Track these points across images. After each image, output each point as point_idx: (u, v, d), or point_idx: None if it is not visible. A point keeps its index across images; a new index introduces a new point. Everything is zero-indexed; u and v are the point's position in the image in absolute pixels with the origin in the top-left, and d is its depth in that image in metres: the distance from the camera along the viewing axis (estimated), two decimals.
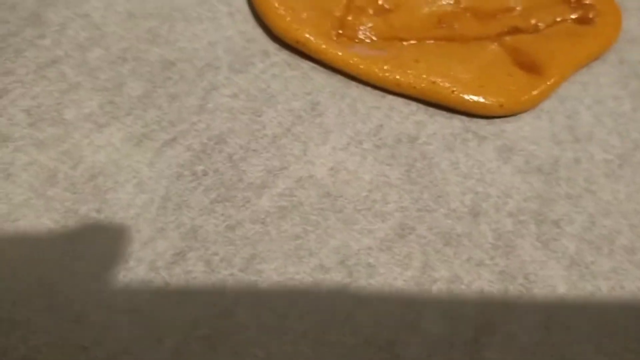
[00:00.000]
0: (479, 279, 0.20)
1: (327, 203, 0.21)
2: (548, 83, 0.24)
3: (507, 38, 0.26)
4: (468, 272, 0.20)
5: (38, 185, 0.20)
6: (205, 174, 0.21)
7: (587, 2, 0.27)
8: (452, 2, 0.26)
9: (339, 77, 0.24)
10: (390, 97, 0.24)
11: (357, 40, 0.25)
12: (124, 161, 0.21)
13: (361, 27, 0.25)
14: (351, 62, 0.24)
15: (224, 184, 0.21)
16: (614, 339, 0.19)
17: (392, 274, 0.20)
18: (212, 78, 0.23)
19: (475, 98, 0.24)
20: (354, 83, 0.24)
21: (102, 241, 0.19)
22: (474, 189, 0.22)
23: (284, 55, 0.24)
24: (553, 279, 0.20)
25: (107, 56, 0.23)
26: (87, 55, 0.23)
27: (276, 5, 0.25)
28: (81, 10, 0.24)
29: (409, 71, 0.24)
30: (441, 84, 0.24)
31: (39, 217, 0.19)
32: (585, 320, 0.20)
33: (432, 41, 0.25)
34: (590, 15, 0.27)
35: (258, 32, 0.25)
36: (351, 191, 0.21)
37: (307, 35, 0.24)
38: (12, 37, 0.23)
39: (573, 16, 0.27)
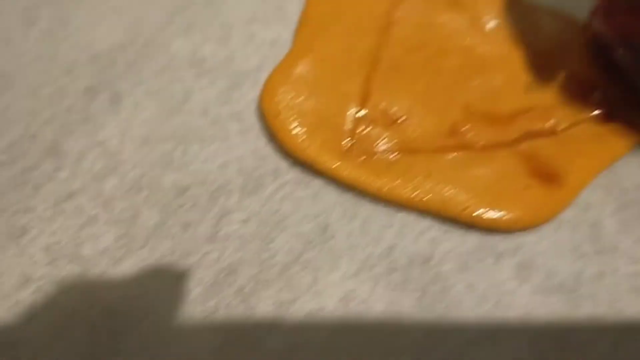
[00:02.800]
0: None
1: (337, 339, 0.21)
2: (567, 194, 0.24)
3: (523, 144, 0.25)
4: None
5: (59, 326, 0.20)
6: (216, 310, 0.21)
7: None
8: (466, 107, 0.26)
9: (350, 195, 0.24)
10: (403, 213, 0.24)
11: (367, 155, 0.24)
12: (139, 297, 0.21)
13: (371, 141, 0.25)
14: (360, 179, 0.24)
15: (234, 321, 0.21)
16: None
17: None
18: (224, 202, 0.24)
19: (489, 214, 0.23)
20: (366, 200, 0.24)
21: None
22: (492, 313, 0.21)
23: (295, 173, 0.25)
24: None
25: (122, 185, 0.24)
26: (102, 186, 0.24)
27: (286, 122, 0.25)
28: (98, 138, 0.25)
29: (419, 187, 0.24)
30: (453, 200, 0.23)
31: None
32: None
33: (445, 153, 0.24)
34: (614, 114, 0.26)
35: (270, 150, 0.25)
36: (362, 323, 0.21)
37: (316, 153, 0.24)
38: (30, 171, 0.24)
39: (595, 113, 0.26)
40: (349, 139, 0.25)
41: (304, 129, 0.25)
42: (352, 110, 0.26)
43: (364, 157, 0.24)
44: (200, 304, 0.21)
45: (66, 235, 0.23)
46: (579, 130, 0.26)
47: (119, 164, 0.25)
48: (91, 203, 0.23)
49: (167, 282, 0.21)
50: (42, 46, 0.27)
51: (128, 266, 0.22)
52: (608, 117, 0.26)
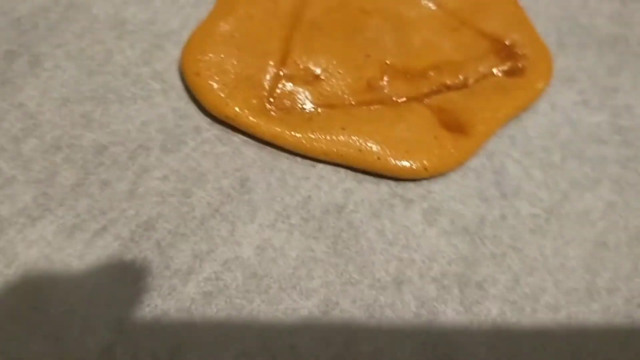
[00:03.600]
0: (402, 351, 0.21)
1: (253, 284, 0.22)
2: (473, 142, 0.25)
3: (435, 98, 0.26)
4: (391, 345, 0.21)
5: None
6: (133, 263, 0.22)
7: (517, 51, 0.28)
8: (381, 63, 0.27)
9: (269, 150, 0.25)
10: (320, 165, 0.25)
11: (286, 112, 0.25)
12: (56, 255, 0.22)
13: (291, 97, 0.25)
14: (278, 133, 0.25)
15: (151, 272, 0.21)
16: None
17: (315, 353, 0.20)
18: (144, 160, 0.24)
19: (400, 163, 0.24)
20: (284, 154, 0.25)
21: (37, 339, 0.20)
22: (399, 255, 0.23)
23: (216, 130, 0.25)
24: (475, 345, 0.21)
25: (41, 146, 0.24)
26: (21, 147, 0.24)
27: (207, 80, 0.26)
28: (17, 101, 0.25)
29: (335, 139, 0.25)
30: (366, 150, 0.24)
31: None
32: None
33: (361, 107, 0.25)
34: (520, 66, 0.27)
35: (191, 108, 0.26)
36: (277, 270, 0.22)
37: (237, 110, 0.25)
38: None
39: (503, 68, 0.27)
40: (268, 95, 0.25)
41: (224, 87, 0.25)
42: (272, 68, 0.26)
43: (283, 112, 0.25)
44: (118, 258, 0.22)
45: None
46: (488, 84, 0.27)
47: (38, 125, 0.25)
48: (10, 164, 0.24)
49: (84, 239, 0.22)
50: None
51: (45, 225, 0.22)
52: (516, 71, 0.27)
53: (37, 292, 0.21)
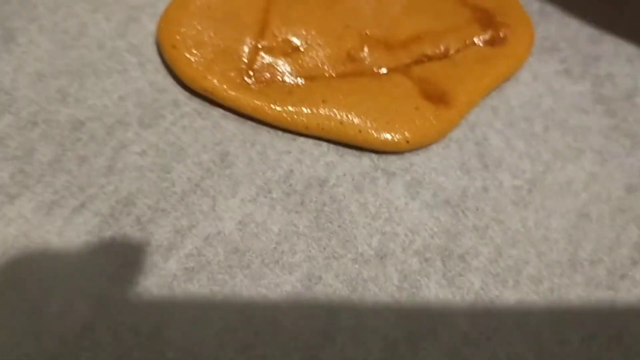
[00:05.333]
0: (384, 324, 0.21)
1: (235, 259, 0.21)
2: (455, 113, 0.25)
3: (416, 68, 0.26)
4: (374, 318, 0.21)
5: None
6: (113, 240, 0.21)
7: (499, 20, 0.28)
8: (361, 34, 0.26)
9: (250, 124, 0.24)
10: (302, 139, 0.24)
11: (266, 84, 0.25)
12: (35, 232, 0.21)
13: (270, 70, 0.25)
14: (258, 107, 0.24)
15: (132, 248, 0.21)
16: None
17: (297, 328, 0.20)
18: (122, 135, 0.24)
19: (381, 136, 0.24)
20: (265, 128, 0.25)
21: (16, 316, 0.20)
22: (382, 229, 0.23)
23: (194, 104, 0.25)
24: (457, 317, 0.21)
25: (17, 122, 0.24)
26: None
27: (185, 53, 0.25)
28: None
29: (316, 112, 0.24)
30: (347, 123, 0.24)
31: None
32: (487, 357, 0.21)
33: (341, 79, 0.25)
34: (502, 35, 0.27)
35: (169, 82, 0.25)
36: (259, 244, 0.22)
37: (215, 83, 0.25)
38: None
39: (484, 37, 0.27)
40: (247, 68, 0.25)
41: (202, 60, 0.25)
42: (251, 40, 0.26)
43: (263, 85, 0.25)
44: (97, 235, 0.21)
45: None
46: (469, 54, 0.27)
47: (13, 101, 0.24)
48: None
49: (63, 215, 0.22)
50: None
51: (23, 202, 0.22)
52: (497, 40, 0.27)
53: (16, 269, 0.21)
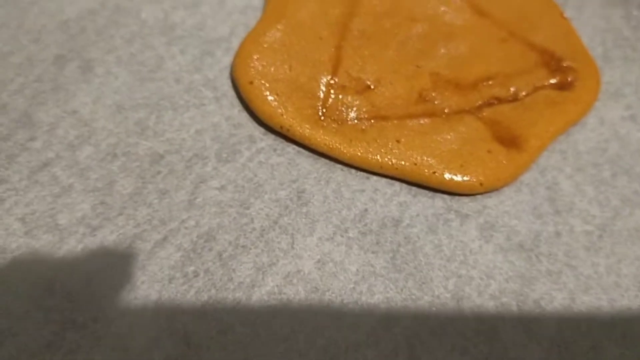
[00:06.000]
0: None
1: (315, 299, 0.22)
2: (526, 157, 0.25)
3: (487, 110, 0.26)
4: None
5: (37, 296, 0.21)
6: (196, 275, 0.22)
7: (566, 64, 0.28)
8: (432, 74, 0.27)
9: (324, 161, 0.25)
10: (375, 178, 0.25)
11: (340, 122, 0.25)
12: (118, 265, 0.22)
13: (344, 108, 0.25)
14: (334, 145, 0.25)
15: (214, 285, 0.21)
16: None
17: None
18: (200, 170, 0.24)
19: (455, 178, 0.24)
20: (339, 166, 0.25)
21: (99, 350, 0.20)
22: (457, 272, 0.23)
23: (270, 140, 0.25)
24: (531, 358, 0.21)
25: (97, 154, 0.24)
26: (77, 155, 0.24)
27: (261, 89, 0.26)
28: (70, 107, 0.25)
29: (390, 152, 0.25)
30: (422, 164, 0.24)
31: (39, 329, 0.20)
32: None
33: (414, 119, 0.25)
34: (570, 79, 0.28)
35: (244, 117, 0.26)
36: (338, 284, 0.22)
37: (291, 120, 0.25)
38: (3, 141, 0.24)
39: (552, 81, 0.27)
40: (322, 106, 0.25)
41: (277, 96, 0.25)
42: (324, 78, 0.26)
43: (337, 123, 0.25)
44: (180, 269, 0.22)
45: (42, 205, 0.23)
46: (538, 98, 0.27)
47: (93, 132, 0.25)
48: (66, 172, 0.24)
49: (145, 249, 0.22)
50: (8, 13, 0.27)
51: (105, 234, 0.22)
52: (565, 84, 0.27)
53: (100, 303, 0.21)
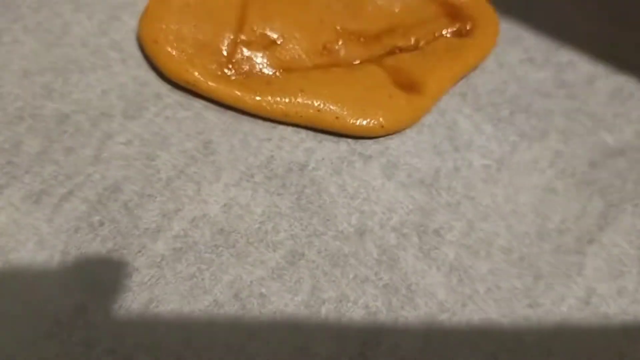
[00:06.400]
0: (364, 295, 0.22)
1: (221, 239, 0.22)
2: (426, 100, 0.26)
3: (389, 59, 0.27)
4: (354, 290, 0.22)
5: None
6: (101, 224, 0.22)
7: (466, 12, 0.29)
8: (336, 28, 0.28)
9: (231, 113, 0.25)
10: (281, 127, 0.26)
11: (245, 75, 0.26)
12: (24, 220, 0.22)
13: (249, 62, 0.26)
14: (239, 97, 0.25)
15: (120, 232, 0.22)
16: (490, 339, 0.21)
17: (283, 300, 0.21)
18: (107, 127, 0.24)
19: (357, 122, 0.25)
20: (245, 117, 0.26)
21: (8, 301, 0.20)
22: (360, 208, 0.24)
23: (176, 97, 0.26)
24: (434, 287, 0.22)
25: (5, 117, 0.24)
26: None
27: (166, 47, 0.26)
28: None
29: (294, 101, 0.25)
30: (325, 111, 0.25)
31: None
32: (463, 323, 0.22)
33: (318, 70, 0.26)
34: (468, 27, 0.29)
35: (151, 76, 0.26)
36: (244, 225, 0.23)
37: (196, 75, 0.26)
38: None
39: (452, 29, 0.29)
40: (227, 61, 0.26)
41: (183, 53, 0.26)
42: (230, 34, 0.27)
43: (242, 77, 0.26)
44: (86, 220, 0.22)
45: None
46: (438, 45, 0.28)
47: (0, 97, 0.25)
48: None
49: (52, 203, 0.22)
50: None
51: (13, 192, 0.23)
52: (464, 32, 0.28)
53: (8, 256, 0.21)
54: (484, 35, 0.29)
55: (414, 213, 0.24)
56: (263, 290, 0.21)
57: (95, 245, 0.22)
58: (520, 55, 0.29)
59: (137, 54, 0.27)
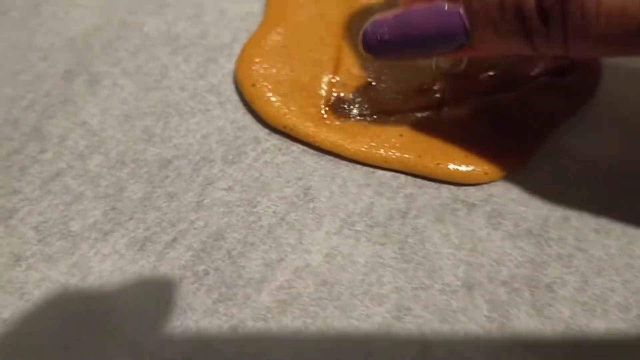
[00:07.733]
0: (477, 354, 0.21)
1: (325, 292, 0.22)
2: (530, 144, 0.25)
3: (488, 100, 0.26)
4: (466, 348, 0.21)
5: (51, 301, 0.21)
6: (206, 273, 0.22)
7: None
8: (432, 68, 0.27)
9: (329, 158, 0.25)
10: (380, 172, 0.25)
11: (343, 119, 0.25)
12: (130, 267, 0.22)
13: (346, 105, 0.26)
14: (338, 142, 0.25)
15: (225, 282, 0.22)
16: None
17: (391, 358, 0.21)
18: (207, 172, 0.24)
19: (460, 168, 0.24)
20: (343, 162, 0.25)
21: (113, 348, 0.20)
22: (467, 260, 0.23)
23: (274, 140, 0.26)
24: (549, 347, 0.21)
25: (107, 162, 0.25)
26: (87, 164, 0.24)
27: (263, 91, 0.26)
28: (79, 119, 0.26)
29: (394, 146, 0.25)
30: (426, 157, 0.24)
31: (55, 331, 0.21)
32: None
33: (415, 113, 0.26)
34: (570, 65, 0.28)
35: (248, 119, 0.26)
36: (347, 276, 0.22)
37: (294, 119, 0.25)
38: (16, 154, 0.24)
39: (552, 68, 0.27)
40: (324, 104, 0.26)
41: (280, 97, 0.26)
42: (326, 77, 0.27)
43: (340, 121, 0.25)
44: (191, 269, 0.22)
45: (54, 213, 0.23)
46: (538, 85, 0.27)
47: (102, 142, 0.25)
48: (77, 181, 0.24)
49: (156, 250, 0.22)
50: (17, 34, 0.28)
51: (117, 238, 0.23)
52: (565, 69, 0.27)
53: (113, 303, 0.21)
54: (586, 72, 0.28)
55: (524, 266, 0.23)
56: (370, 347, 0.21)
57: (200, 295, 0.21)
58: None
59: (234, 97, 0.27)
